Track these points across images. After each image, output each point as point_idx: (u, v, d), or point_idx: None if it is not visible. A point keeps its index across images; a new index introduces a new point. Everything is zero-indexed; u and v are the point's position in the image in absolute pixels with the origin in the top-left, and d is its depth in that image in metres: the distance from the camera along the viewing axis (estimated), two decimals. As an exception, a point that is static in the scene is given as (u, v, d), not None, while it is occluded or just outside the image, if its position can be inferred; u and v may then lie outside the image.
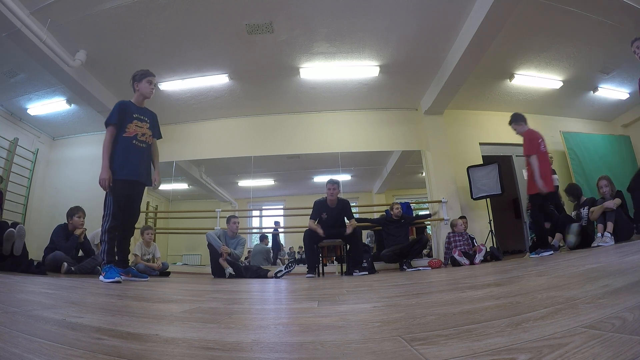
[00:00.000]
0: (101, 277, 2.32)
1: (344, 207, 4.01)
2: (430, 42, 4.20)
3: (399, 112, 5.84)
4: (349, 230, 3.79)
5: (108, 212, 2.44)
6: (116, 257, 2.54)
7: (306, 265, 3.92)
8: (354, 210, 4.87)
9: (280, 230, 6.48)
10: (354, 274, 3.64)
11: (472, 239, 4.35)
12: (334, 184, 3.94)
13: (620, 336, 0.49)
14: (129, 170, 2.53)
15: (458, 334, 0.60)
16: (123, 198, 2.51)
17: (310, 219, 3.97)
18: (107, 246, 2.41)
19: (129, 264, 2.89)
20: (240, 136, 5.87)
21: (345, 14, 3.71)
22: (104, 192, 2.50)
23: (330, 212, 3.96)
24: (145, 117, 2.71)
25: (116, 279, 2.25)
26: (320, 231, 3.79)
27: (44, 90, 4.84)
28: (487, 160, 5.32)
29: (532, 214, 3.61)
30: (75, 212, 3.44)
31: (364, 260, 4.02)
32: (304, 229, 4.07)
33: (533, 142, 3.45)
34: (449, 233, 4.43)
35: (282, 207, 7.36)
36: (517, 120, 3.63)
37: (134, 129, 2.59)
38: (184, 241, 6.35)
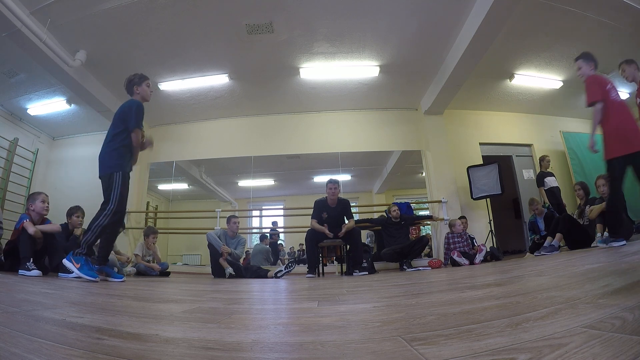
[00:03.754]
0: (74, 269, 2.26)
1: (344, 207, 4.01)
2: (430, 42, 4.19)
3: (399, 112, 5.84)
4: (342, 231, 3.78)
5: (111, 207, 2.39)
6: (94, 254, 2.52)
7: (306, 265, 3.92)
8: (354, 210, 4.87)
9: (279, 229, 6.47)
10: (354, 274, 3.64)
11: (472, 239, 4.35)
12: (334, 183, 3.95)
13: (620, 336, 0.49)
14: (130, 161, 2.62)
15: (458, 334, 0.60)
16: (127, 193, 2.53)
17: (312, 218, 3.97)
18: (93, 239, 2.37)
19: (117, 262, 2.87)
20: (240, 136, 5.87)
21: (345, 14, 3.71)
22: (108, 186, 2.45)
23: (331, 212, 3.96)
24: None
25: (97, 278, 2.25)
26: (328, 232, 3.79)
27: (44, 90, 4.84)
28: (487, 160, 5.32)
29: (611, 182, 2.77)
30: (75, 211, 3.45)
31: (364, 260, 4.02)
32: (304, 229, 4.07)
33: (597, 88, 2.77)
34: (447, 234, 4.42)
35: (282, 207, 7.36)
36: (586, 59, 2.94)
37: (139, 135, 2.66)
38: (184, 241, 6.36)
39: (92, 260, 2.53)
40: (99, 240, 2.57)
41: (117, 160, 2.49)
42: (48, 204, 3.04)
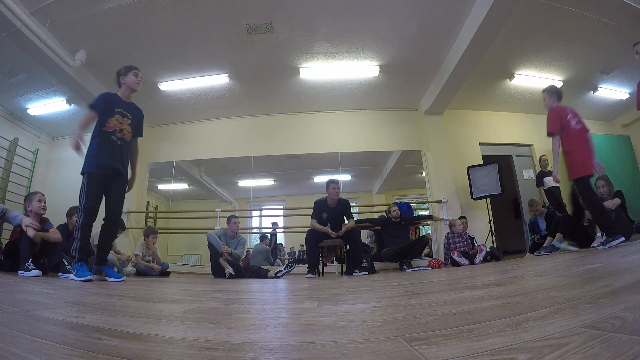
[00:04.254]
0: (71, 276, 2.26)
1: (344, 207, 4.01)
2: (430, 42, 4.20)
3: (399, 112, 5.84)
4: (341, 230, 3.79)
5: (80, 207, 2.38)
6: (92, 254, 2.50)
7: (306, 265, 3.92)
8: (354, 210, 4.87)
9: (278, 230, 6.47)
10: (354, 274, 3.64)
11: (472, 239, 4.35)
12: (336, 183, 3.96)
13: (620, 336, 0.49)
14: (105, 157, 2.47)
15: (458, 334, 0.60)
16: (100, 192, 2.45)
17: (312, 218, 3.97)
18: (79, 244, 2.33)
19: (112, 262, 2.83)
20: (240, 136, 5.87)
21: (345, 14, 3.71)
22: (79, 188, 2.45)
23: (331, 212, 3.96)
24: (129, 113, 2.63)
25: (88, 277, 2.20)
26: (331, 232, 3.79)
27: (44, 90, 4.84)
28: (487, 160, 5.33)
29: (585, 198, 3.05)
30: (75, 211, 3.43)
31: (364, 260, 4.02)
32: (304, 229, 4.07)
33: (556, 120, 3.11)
34: (447, 234, 4.42)
35: (282, 207, 7.36)
36: (550, 92, 3.28)
37: (115, 123, 2.53)
38: (184, 241, 6.35)
39: (91, 260, 2.53)
40: (95, 242, 2.56)
41: (87, 158, 2.48)
42: (45, 202, 3.00)
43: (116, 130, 2.53)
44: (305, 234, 3.94)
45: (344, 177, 6.43)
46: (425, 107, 5.41)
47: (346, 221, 3.95)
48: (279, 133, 5.81)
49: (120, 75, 2.67)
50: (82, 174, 2.48)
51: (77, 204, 3.45)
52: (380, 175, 7.15)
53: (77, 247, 2.34)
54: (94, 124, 2.53)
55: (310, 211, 4.05)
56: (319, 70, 4.69)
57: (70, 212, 3.46)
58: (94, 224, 2.48)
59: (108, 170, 2.50)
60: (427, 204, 5.63)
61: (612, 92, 5.56)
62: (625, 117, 6.33)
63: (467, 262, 3.95)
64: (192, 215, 6.11)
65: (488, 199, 5.02)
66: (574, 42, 4.31)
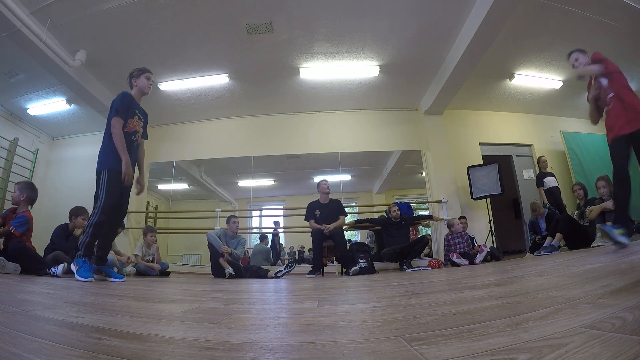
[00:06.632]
0: (72, 268, 2.28)
1: (336, 205, 4.14)
2: (430, 42, 4.19)
3: (399, 112, 5.84)
4: (330, 226, 3.94)
5: (99, 205, 2.37)
6: (94, 254, 2.49)
7: (310, 264, 3.97)
8: (354, 210, 4.88)
9: (280, 230, 6.47)
10: (349, 273, 3.69)
11: (472, 239, 4.35)
12: (325, 180, 4.25)
13: (620, 336, 0.49)
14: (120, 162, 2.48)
15: (458, 334, 0.60)
16: (119, 189, 2.45)
17: (307, 220, 4.11)
18: (88, 239, 2.33)
19: (111, 261, 2.85)
20: (240, 136, 5.87)
21: (345, 14, 3.71)
22: (97, 184, 2.43)
23: (324, 210, 4.07)
24: (141, 115, 2.68)
25: (89, 279, 2.19)
26: (324, 226, 3.92)
27: (44, 90, 4.84)
28: (487, 160, 5.32)
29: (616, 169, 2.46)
30: (81, 213, 3.41)
31: (362, 260, 4.04)
32: (304, 229, 4.11)
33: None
34: (446, 235, 4.42)
35: (282, 207, 7.35)
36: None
37: (134, 124, 2.57)
38: (184, 241, 6.35)
39: (91, 261, 2.52)
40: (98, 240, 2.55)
41: (105, 156, 2.45)
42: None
43: (135, 131, 2.58)
44: (310, 233, 4.00)
45: (344, 177, 6.43)
46: (425, 107, 5.41)
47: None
48: (279, 133, 5.81)
49: (133, 77, 2.68)
50: (99, 171, 2.43)
51: (79, 205, 3.50)
52: (380, 175, 7.15)
53: (85, 242, 2.32)
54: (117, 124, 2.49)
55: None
56: (319, 70, 4.69)
57: (77, 213, 3.41)
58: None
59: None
60: (427, 204, 5.63)
61: (612, 92, 5.55)
62: (625, 117, 6.31)
63: (466, 262, 3.94)
64: (192, 215, 6.11)
65: (488, 199, 5.02)
66: (574, 42, 4.30)
